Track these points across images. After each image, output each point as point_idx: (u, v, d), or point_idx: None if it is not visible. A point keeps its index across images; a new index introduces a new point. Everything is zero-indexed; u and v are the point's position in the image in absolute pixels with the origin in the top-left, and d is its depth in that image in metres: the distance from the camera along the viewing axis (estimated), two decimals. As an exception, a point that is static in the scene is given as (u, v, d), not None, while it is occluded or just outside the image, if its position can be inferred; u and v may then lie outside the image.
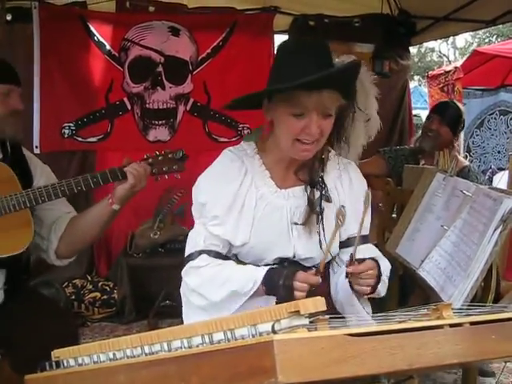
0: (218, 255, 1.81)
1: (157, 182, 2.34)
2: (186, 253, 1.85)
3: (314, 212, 1.82)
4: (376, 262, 1.69)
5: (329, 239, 1.75)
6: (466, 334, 1.10)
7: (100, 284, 4.42)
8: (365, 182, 1.95)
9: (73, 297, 4.26)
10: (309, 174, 1.85)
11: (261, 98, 1.80)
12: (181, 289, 1.86)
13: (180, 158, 2.33)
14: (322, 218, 1.82)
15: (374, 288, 1.69)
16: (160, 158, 2.32)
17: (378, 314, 1.19)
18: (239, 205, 1.81)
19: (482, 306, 1.35)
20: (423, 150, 3.55)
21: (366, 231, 1.87)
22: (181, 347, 1.22)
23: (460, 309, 1.25)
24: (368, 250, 1.84)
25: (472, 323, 1.12)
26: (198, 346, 1.19)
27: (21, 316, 2.22)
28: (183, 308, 1.87)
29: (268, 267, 1.73)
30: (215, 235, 1.80)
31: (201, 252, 1.80)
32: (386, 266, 1.81)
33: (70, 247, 2.38)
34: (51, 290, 4.04)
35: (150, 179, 2.32)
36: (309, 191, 1.84)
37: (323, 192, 1.84)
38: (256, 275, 1.70)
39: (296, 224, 1.82)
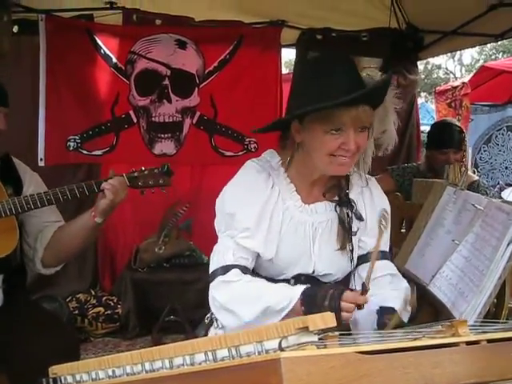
0: (246, 270, 1.74)
1: (143, 195, 2.36)
2: (213, 267, 1.76)
3: (346, 231, 1.80)
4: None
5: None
6: (484, 352, 1.05)
7: (104, 299, 4.38)
8: (385, 198, 1.94)
9: (76, 311, 4.23)
10: (338, 193, 1.85)
11: (288, 121, 1.76)
12: (210, 305, 1.77)
13: (165, 171, 2.35)
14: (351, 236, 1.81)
15: None
16: (146, 172, 2.35)
17: (391, 331, 1.14)
18: (268, 217, 1.76)
19: (496, 322, 1.30)
20: (433, 170, 3.53)
21: (385, 247, 1.85)
22: (183, 364, 1.18)
23: (473, 325, 1.20)
24: (386, 267, 1.82)
25: (489, 341, 1.07)
26: (200, 364, 1.14)
27: (20, 330, 2.21)
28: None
29: (304, 286, 1.64)
30: (245, 248, 1.74)
31: (231, 266, 1.73)
32: (405, 288, 1.80)
33: (55, 257, 2.41)
34: (54, 305, 4.01)
35: (133, 191, 2.35)
36: (339, 210, 1.82)
37: (354, 210, 1.83)
38: (291, 293, 1.63)
39: (337, 250, 1.81)
